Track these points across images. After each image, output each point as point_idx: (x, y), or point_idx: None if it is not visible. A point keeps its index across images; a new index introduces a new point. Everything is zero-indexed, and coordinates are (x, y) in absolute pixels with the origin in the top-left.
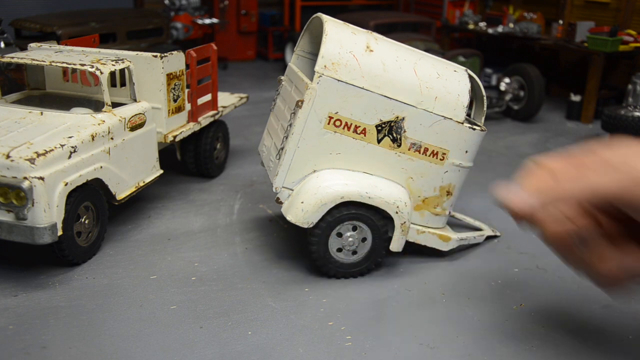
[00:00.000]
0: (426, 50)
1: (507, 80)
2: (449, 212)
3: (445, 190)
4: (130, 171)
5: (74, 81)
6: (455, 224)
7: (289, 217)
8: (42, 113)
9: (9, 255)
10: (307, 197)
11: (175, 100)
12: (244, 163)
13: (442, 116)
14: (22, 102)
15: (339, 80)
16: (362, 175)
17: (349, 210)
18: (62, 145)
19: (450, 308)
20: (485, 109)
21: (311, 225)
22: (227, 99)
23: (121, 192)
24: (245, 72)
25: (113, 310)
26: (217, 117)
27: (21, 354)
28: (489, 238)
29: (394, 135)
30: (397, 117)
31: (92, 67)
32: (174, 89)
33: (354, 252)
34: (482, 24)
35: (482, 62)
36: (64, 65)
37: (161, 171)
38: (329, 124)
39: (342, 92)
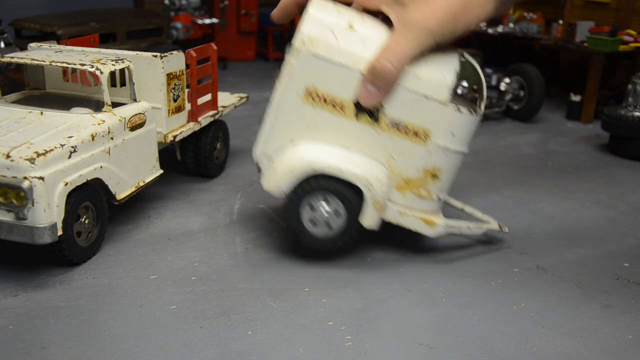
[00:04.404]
0: None
1: (507, 80)
2: (441, 198)
3: (429, 173)
4: (130, 171)
5: (74, 81)
6: (459, 217)
7: (264, 186)
8: (42, 113)
9: (9, 255)
10: (281, 166)
11: (175, 100)
12: (244, 163)
13: (424, 95)
14: (22, 102)
15: (316, 56)
16: (338, 148)
17: (322, 182)
18: (62, 145)
19: (450, 308)
20: (485, 95)
21: (283, 194)
22: (227, 99)
23: (121, 192)
24: (245, 72)
25: (113, 310)
26: (217, 117)
27: (21, 354)
28: (490, 238)
29: (372, 111)
30: None
31: (92, 67)
32: (174, 89)
33: (329, 226)
34: (482, 24)
35: (482, 62)
36: (64, 65)
37: (161, 171)
38: (307, 98)
39: (320, 67)
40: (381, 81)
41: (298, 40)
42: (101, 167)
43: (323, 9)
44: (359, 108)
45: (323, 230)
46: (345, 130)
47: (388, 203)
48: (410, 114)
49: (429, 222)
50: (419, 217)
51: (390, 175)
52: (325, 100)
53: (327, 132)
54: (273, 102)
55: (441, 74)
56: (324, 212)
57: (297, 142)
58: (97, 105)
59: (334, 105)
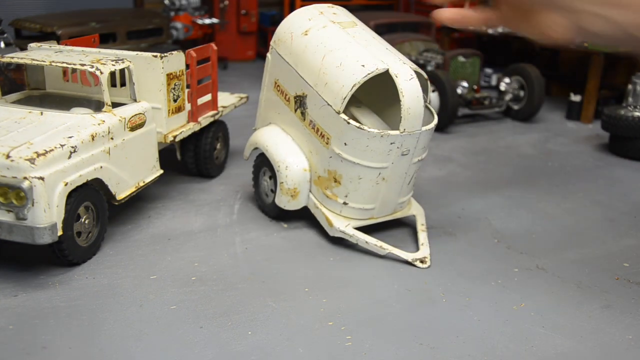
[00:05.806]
0: (426, 51)
1: (507, 80)
2: (347, 204)
3: (332, 176)
4: (130, 171)
5: (74, 81)
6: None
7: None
8: (42, 113)
9: (9, 255)
10: (249, 139)
11: (175, 100)
12: (244, 163)
13: (326, 102)
14: (22, 102)
15: (278, 54)
16: (280, 134)
17: (265, 159)
18: (62, 145)
19: (450, 308)
20: (402, 114)
21: (246, 159)
22: (227, 99)
23: (121, 192)
24: (245, 72)
25: (113, 310)
26: (217, 117)
27: (21, 354)
28: (490, 238)
29: (303, 109)
30: (303, 93)
31: (92, 67)
32: (174, 89)
33: (269, 195)
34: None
35: (482, 62)
36: (64, 65)
37: (161, 171)
38: (274, 87)
39: (280, 63)
40: None
41: (273, 39)
42: (101, 167)
43: (299, 14)
44: (297, 103)
45: (267, 198)
46: (290, 121)
47: (310, 194)
48: (319, 118)
49: (328, 221)
50: (324, 214)
51: (310, 168)
52: (282, 92)
53: (283, 120)
54: (261, 89)
55: (342, 85)
56: (266, 184)
57: (271, 124)
58: (97, 106)
59: (285, 97)
